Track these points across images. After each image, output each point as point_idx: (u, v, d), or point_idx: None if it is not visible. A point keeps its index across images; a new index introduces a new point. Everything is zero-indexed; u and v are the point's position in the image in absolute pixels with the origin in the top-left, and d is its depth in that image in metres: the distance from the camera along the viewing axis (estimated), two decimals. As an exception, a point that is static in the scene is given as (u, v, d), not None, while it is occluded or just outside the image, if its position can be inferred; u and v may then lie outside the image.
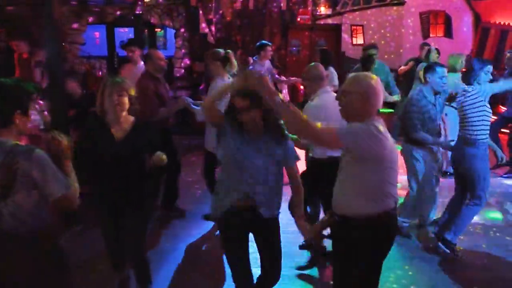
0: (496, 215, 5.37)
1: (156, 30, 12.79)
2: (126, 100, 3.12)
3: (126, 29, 13.58)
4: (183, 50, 11.53)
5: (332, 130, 2.53)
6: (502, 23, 12.71)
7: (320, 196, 3.95)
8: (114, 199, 3.16)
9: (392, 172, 2.56)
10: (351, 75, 2.70)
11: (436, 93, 4.36)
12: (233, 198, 2.83)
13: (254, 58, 7.37)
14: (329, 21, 11.97)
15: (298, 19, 11.54)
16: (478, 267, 4.22)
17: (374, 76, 2.62)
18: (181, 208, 5.38)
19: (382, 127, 2.52)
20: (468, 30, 12.74)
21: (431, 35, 12.22)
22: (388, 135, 2.55)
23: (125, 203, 3.17)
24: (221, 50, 4.96)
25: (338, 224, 2.66)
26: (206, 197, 5.74)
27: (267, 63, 7.24)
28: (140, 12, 8.16)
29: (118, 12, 9.64)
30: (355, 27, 11.89)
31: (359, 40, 11.92)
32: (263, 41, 7.40)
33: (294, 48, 12.08)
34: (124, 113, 3.15)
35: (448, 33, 12.51)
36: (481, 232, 4.84)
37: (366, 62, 6.23)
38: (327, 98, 3.76)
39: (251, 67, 7.08)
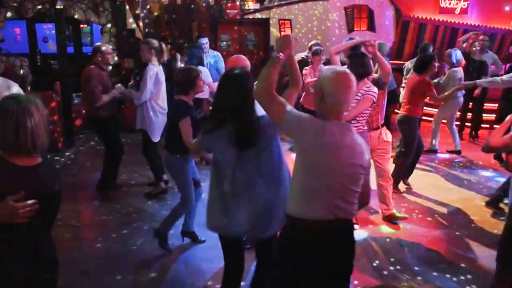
0: None
1: (82, 26, 12.37)
2: None
3: (50, 25, 13.04)
4: (110, 46, 11.24)
5: (283, 108, 2.40)
6: (420, 17, 13.45)
7: None
8: None
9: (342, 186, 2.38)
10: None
11: None
12: None
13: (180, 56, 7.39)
14: (258, 15, 12.11)
15: (227, 14, 11.57)
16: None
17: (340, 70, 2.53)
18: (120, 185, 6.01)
19: (349, 136, 2.38)
20: (390, 24, 13.35)
21: (355, 29, 12.69)
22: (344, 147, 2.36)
23: None
24: (156, 41, 5.65)
25: None
26: (138, 194, 5.73)
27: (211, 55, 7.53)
28: (61, 7, 7.86)
29: (38, 7, 9.26)
30: (283, 21, 12.10)
31: (287, 33, 12.15)
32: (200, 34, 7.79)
33: (224, 43, 12.13)
34: None
35: (371, 26, 13.04)
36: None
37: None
38: None
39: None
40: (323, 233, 2.37)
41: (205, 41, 7.44)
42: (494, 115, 8.82)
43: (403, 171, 5.86)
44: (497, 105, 8.49)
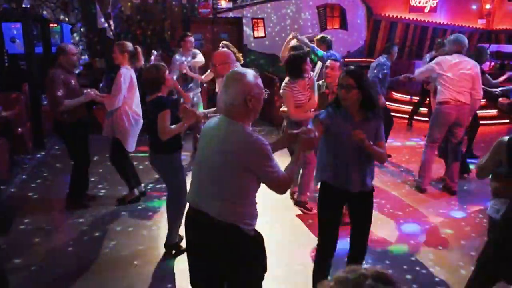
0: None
1: (51, 25, 12.12)
2: None
3: (18, 25, 12.72)
4: (80, 46, 11.07)
5: None
6: (391, 15, 13.65)
7: None
8: None
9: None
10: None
11: None
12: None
13: (156, 52, 7.26)
14: (230, 14, 12.08)
15: (199, 13, 11.50)
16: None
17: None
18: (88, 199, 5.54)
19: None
20: (362, 22, 13.51)
21: (328, 27, 12.78)
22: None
23: None
24: (130, 44, 5.35)
25: None
26: (109, 197, 5.64)
27: (192, 54, 7.08)
28: (28, 6, 7.68)
29: (4, 5, 9.02)
30: (256, 20, 12.10)
31: (260, 33, 12.16)
32: (185, 32, 7.41)
33: (197, 42, 12.03)
34: None
35: (344, 25, 13.17)
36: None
37: None
38: None
39: (177, 57, 7.00)
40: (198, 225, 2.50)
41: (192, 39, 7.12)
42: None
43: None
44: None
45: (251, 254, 2.45)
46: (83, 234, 4.70)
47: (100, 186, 6.05)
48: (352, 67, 3.21)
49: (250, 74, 2.43)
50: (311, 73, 5.17)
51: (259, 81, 2.44)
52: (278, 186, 2.46)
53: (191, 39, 7.08)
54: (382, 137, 3.18)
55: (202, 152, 2.49)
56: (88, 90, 5.19)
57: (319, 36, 6.94)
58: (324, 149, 3.22)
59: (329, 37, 6.88)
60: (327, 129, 3.10)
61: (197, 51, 7.24)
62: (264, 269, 2.54)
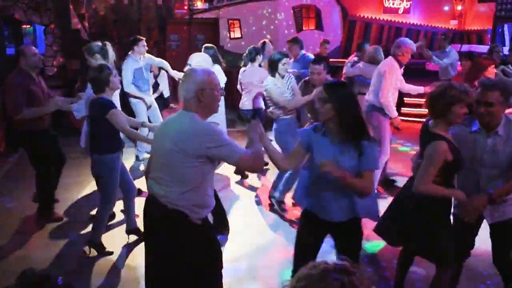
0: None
1: (24, 26, 11.91)
2: None
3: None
4: (54, 48, 10.90)
5: None
6: (366, 16, 13.83)
7: None
8: None
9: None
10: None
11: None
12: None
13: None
14: (207, 15, 12.07)
15: (175, 14, 11.47)
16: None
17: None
18: (57, 213, 5.12)
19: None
20: (337, 23, 13.65)
21: (304, 28, 12.88)
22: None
23: None
24: (98, 43, 5.06)
25: None
26: (86, 200, 5.58)
27: (148, 60, 6.78)
28: (-1, 6, 7.55)
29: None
30: (232, 21, 12.12)
31: (237, 33, 12.19)
32: (137, 36, 7.10)
33: (173, 43, 12.01)
34: None
35: (319, 26, 13.29)
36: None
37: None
38: None
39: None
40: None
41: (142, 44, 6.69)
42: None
43: None
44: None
45: (195, 242, 2.56)
46: (55, 238, 4.63)
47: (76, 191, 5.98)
48: (330, 79, 3.12)
49: (204, 71, 2.64)
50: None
51: (213, 79, 2.62)
52: (243, 161, 2.54)
53: (143, 43, 6.72)
54: (369, 166, 2.64)
55: (157, 140, 2.66)
56: (56, 98, 4.86)
57: (291, 38, 6.99)
58: (306, 172, 2.90)
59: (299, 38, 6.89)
60: (308, 150, 2.77)
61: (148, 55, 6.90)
62: (213, 260, 2.64)
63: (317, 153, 2.69)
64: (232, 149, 2.50)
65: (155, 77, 7.63)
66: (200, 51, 5.99)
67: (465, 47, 13.30)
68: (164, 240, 2.56)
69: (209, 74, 2.63)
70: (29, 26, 12.41)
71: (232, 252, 4.17)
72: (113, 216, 4.93)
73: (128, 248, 4.38)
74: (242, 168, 2.57)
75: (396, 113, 5.32)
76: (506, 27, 11.52)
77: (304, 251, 2.87)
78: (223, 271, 2.80)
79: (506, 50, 11.18)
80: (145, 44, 6.78)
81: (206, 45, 6.46)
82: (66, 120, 7.20)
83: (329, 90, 2.66)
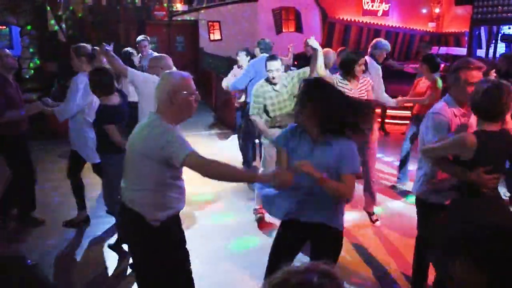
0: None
1: (-1, 27, 11.71)
2: None
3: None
4: (31, 49, 10.72)
5: None
6: (345, 18, 13.93)
7: None
8: None
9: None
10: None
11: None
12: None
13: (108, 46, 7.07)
14: (186, 17, 12.02)
15: (155, 16, 11.39)
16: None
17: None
18: (39, 217, 5.02)
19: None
20: (317, 25, 13.71)
21: (283, 30, 12.92)
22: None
23: None
24: (89, 46, 4.89)
25: None
26: (64, 204, 5.47)
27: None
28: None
29: None
30: (212, 23, 12.08)
31: (216, 35, 12.15)
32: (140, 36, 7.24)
33: (152, 45, 11.91)
34: None
35: (299, 28, 13.34)
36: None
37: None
38: None
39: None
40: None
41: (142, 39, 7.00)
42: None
43: None
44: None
45: (152, 245, 2.55)
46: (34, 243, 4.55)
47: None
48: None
49: (182, 75, 2.60)
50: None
51: (188, 83, 2.57)
52: (189, 158, 2.38)
53: (145, 43, 7.02)
54: (348, 169, 2.52)
55: (129, 142, 2.63)
56: (38, 102, 4.72)
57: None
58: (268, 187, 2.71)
59: (267, 40, 6.49)
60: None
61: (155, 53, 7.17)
62: (172, 264, 2.62)
63: (294, 155, 2.59)
64: (181, 147, 2.40)
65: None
66: (180, 53, 6.04)
67: (443, 50, 13.52)
68: (125, 239, 2.68)
69: (186, 78, 2.59)
70: (4, 27, 12.21)
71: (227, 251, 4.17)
72: (88, 220, 4.95)
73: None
74: (188, 167, 2.42)
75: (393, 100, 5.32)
76: (482, 29, 11.71)
77: (276, 256, 2.75)
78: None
79: (482, 53, 11.39)
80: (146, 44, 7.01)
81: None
82: (42, 123, 7.07)
83: (308, 91, 2.52)
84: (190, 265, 2.82)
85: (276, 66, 4.37)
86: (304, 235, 2.76)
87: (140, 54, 6.99)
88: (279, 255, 2.74)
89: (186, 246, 2.82)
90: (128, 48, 6.80)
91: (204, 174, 2.42)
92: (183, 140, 2.44)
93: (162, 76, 2.66)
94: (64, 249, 4.44)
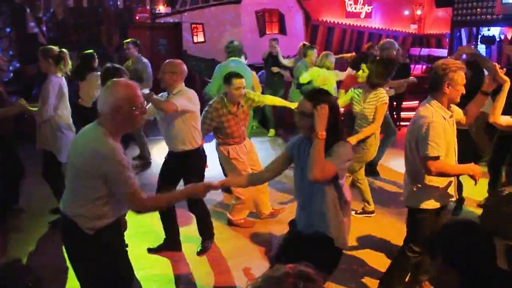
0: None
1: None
2: None
3: None
4: (10, 52, 10.57)
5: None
6: (328, 21, 13.98)
7: None
8: None
9: None
10: None
11: None
12: None
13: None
14: (169, 19, 11.96)
15: (137, 18, 11.31)
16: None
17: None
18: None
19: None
20: (300, 27, 13.74)
21: (267, 32, 12.91)
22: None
23: None
24: (55, 48, 4.90)
25: None
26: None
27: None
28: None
29: None
30: (195, 25, 12.03)
31: (200, 38, 12.11)
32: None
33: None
34: None
35: (282, 30, 13.35)
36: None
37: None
38: None
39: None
40: None
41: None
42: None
43: None
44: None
45: (87, 253, 2.51)
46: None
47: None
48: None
49: (128, 85, 2.44)
50: None
51: (132, 95, 2.41)
52: (125, 196, 2.40)
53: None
54: (333, 158, 2.54)
55: (71, 152, 2.55)
56: (20, 101, 4.74)
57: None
58: None
59: (236, 42, 6.27)
60: (291, 159, 2.82)
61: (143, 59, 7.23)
62: (109, 272, 2.55)
63: (298, 161, 2.74)
64: (124, 178, 2.35)
65: None
66: (163, 56, 6.01)
67: (425, 51, 13.64)
68: (67, 251, 2.61)
69: (132, 89, 2.42)
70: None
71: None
72: None
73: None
74: (128, 204, 2.45)
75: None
76: (463, 31, 11.85)
77: (279, 255, 2.88)
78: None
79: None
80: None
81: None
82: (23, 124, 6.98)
83: (314, 103, 2.53)
84: (134, 274, 2.75)
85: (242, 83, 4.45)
86: (291, 240, 2.89)
87: (131, 59, 7.02)
88: (280, 255, 2.88)
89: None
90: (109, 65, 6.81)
91: (138, 212, 2.52)
92: (130, 173, 2.38)
93: (106, 85, 2.48)
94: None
